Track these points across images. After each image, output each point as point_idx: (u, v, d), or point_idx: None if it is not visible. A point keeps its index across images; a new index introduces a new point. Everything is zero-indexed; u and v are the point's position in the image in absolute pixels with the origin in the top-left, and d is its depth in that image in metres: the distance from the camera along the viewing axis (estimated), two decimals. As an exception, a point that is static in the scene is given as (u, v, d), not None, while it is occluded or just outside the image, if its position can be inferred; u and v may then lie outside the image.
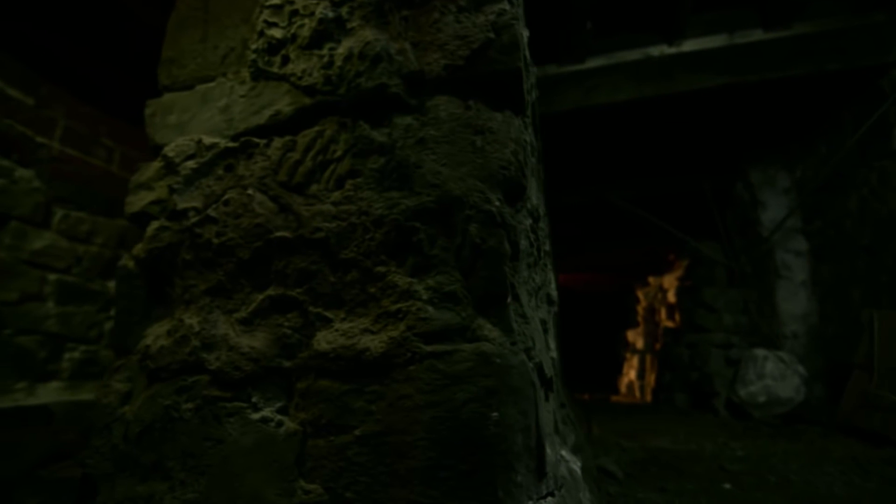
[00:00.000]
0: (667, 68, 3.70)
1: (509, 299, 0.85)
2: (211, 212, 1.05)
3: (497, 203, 0.89)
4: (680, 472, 2.24)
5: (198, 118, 1.20)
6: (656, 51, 3.76)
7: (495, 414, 0.76)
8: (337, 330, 0.90)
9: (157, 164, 1.20)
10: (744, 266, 5.14)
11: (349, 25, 1.08)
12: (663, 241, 6.05)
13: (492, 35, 0.99)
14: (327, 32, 1.08)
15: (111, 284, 3.60)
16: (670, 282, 6.53)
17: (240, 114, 1.15)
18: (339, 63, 1.08)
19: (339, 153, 1.03)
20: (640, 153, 5.11)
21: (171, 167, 1.15)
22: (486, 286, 0.85)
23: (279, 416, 0.89)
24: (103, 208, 3.59)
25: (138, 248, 1.11)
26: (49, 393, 3.20)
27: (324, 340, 0.89)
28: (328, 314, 0.92)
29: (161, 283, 1.09)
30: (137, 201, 1.17)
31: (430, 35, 1.03)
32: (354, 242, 0.93)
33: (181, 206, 1.09)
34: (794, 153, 4.70)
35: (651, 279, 7.43)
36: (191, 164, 1.13)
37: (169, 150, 1.16)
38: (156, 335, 1.03)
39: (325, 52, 1.10)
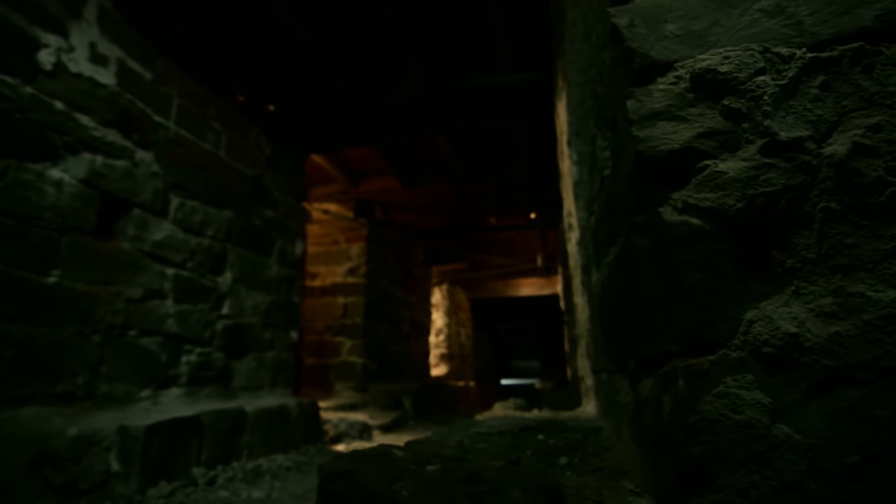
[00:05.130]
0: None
1: None
2: (860, 139, 0.73)
3: None
4: None
5: (723, 25, 0.88)
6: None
7: None
8: None
9: (668, 87, 0.87)
10: None
11: None
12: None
13: None
14: None
15: (220, 280, 3.16)
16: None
17: (812, 16, 0.84)
18: None
19: None
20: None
21: (720, 87, 0.82)
22: None
23: None
24: (213, 197, 3.16)
25: (707, 198, 0.78)
26: (172, 401, 2.76)
27: None
28: None
29: (759, 244, 0.76)
30: (667, 136, 0.84)
31: None
32: None
33: (785, 135, 0.77)
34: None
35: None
36: (764, 80, 0.81)
37: (715, 65, 0.83)
38: (795, 319, 0.70)
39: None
